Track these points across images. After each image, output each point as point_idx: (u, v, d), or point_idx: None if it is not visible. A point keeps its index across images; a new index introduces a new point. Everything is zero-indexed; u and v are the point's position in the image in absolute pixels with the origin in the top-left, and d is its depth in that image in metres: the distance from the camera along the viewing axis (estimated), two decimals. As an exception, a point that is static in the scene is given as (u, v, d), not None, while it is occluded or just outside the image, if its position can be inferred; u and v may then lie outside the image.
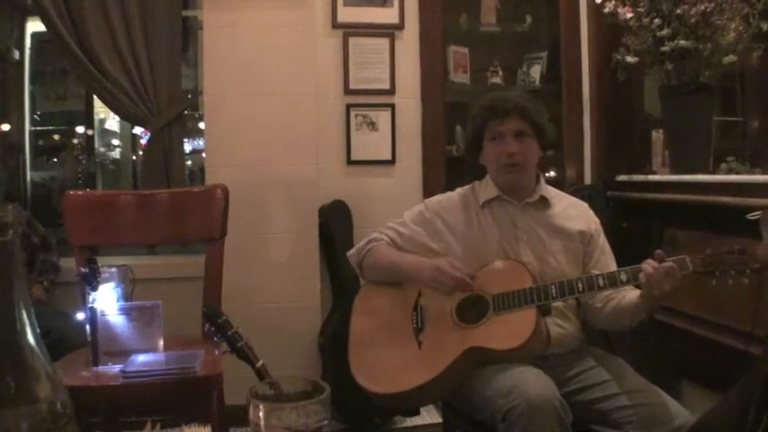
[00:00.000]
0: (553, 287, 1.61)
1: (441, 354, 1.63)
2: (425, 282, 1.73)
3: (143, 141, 3.23)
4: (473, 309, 1.67)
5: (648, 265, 1.52)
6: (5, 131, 3.45)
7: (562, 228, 1.78)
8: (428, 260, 1.75)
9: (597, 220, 1.85)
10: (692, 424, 1.34)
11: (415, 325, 1.73)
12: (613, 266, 1.76)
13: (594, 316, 1.74)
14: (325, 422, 0.77)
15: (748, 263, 1.45)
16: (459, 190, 1.90)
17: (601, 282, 1.59)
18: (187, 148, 3.30)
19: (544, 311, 1.63)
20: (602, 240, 1.81)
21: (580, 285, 1.61)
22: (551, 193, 1.85)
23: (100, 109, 3.56)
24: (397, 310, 1.77)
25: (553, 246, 1.75)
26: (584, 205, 1.88)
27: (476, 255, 1.75)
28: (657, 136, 2.77)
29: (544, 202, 1.81)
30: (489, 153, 1.78)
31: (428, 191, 2.92)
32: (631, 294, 1.64)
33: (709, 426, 1.17)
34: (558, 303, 1.68)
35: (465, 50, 3.23)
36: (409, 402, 2.05)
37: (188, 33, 3.24)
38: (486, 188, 1.83)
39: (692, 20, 2.32)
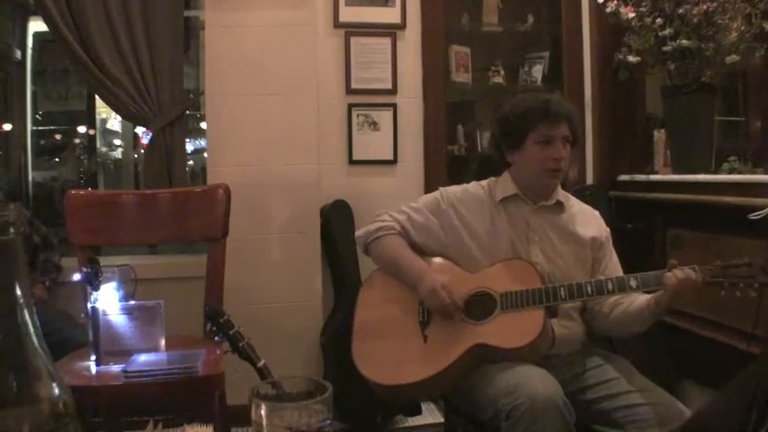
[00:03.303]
0: (562, 289, 1.62)
1: (446, 349, 1.63)
2: (420, 294, 1.72)
3: (145, 141, 3.23)
4: (480, 305, 1.67)
5: (673, 274, 1.51)
6: (7, 131, 3.46)
7: (574, 233, 1.78)
8: (430, 274, 1.72)
9: (608, 229, 1.85)
10: (689, 419, 1.32)
11: (420, 318, 1.73)
12: (620, 274, 1.75)
13: (600, 322, 1.74)
14: (328, 422, 0.77)
15: (757, 276, 1.44)
16: (475, 183, 1.88)
17: (610, 286, 1.60)
18: (189, 147, 3.30)
19: (551, 313, 1.63)
20: (611, 248, 1.82)
21: (589, 288, 1.61)
22: (566, 198, 1.85)
23: (101, 109, 3.56)
24: (404, 302, 1.77)
25: (563, 249, 1.75)
26: (596, 213, 1.88)
27: (487, 251, 1.75)
28: (659, 136, 2.77)
29: (559, 206, 1.81)
30: (534, 154, 1.74)
31: (430, 190, 2.90)
32: (640, 300, 1.64)
33: (709, 422, 1.16)
34: (565, 304, 1.68)
35: (467, 50, 3.23)
36: (410, 396, 2.04)
37: (190, 33, 3.24)
38: (505, 185, 1.82)
39: (695, 19, 2.32)
